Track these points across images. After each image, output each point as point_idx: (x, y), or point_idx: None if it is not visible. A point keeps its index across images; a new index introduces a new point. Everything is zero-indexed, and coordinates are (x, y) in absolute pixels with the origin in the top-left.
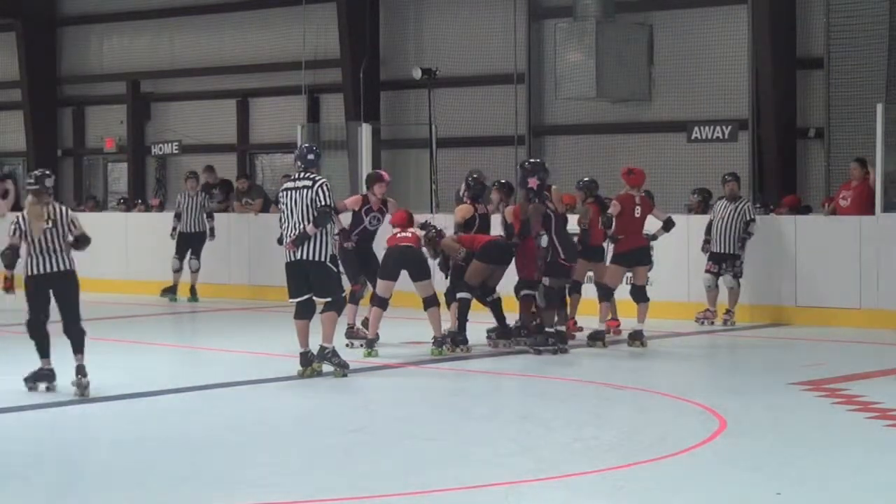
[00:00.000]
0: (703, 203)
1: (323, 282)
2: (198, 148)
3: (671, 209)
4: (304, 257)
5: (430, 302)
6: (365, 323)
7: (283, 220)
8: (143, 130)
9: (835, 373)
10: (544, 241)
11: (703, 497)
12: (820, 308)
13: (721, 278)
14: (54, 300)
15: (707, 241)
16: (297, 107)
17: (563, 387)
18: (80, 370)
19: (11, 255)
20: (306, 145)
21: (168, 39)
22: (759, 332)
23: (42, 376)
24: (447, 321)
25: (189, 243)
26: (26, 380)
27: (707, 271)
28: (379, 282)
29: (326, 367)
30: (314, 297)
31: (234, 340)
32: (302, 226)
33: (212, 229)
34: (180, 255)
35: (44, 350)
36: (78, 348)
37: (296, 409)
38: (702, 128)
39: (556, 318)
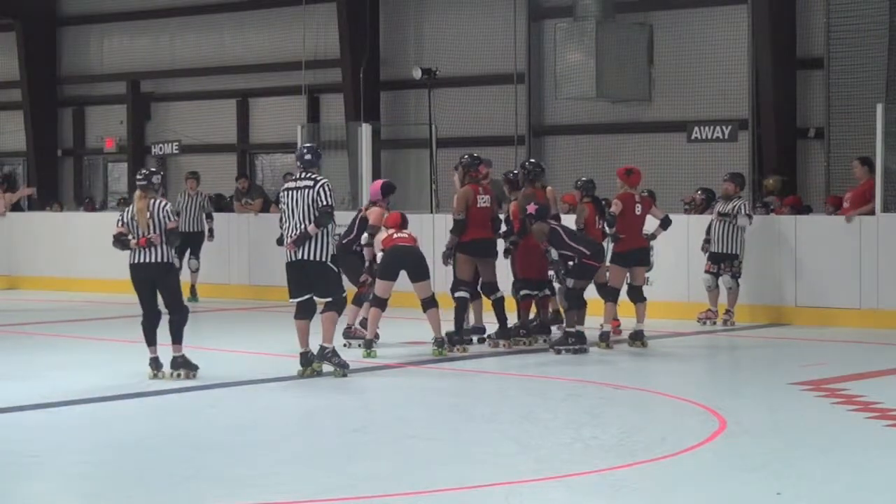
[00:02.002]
0: (706, 202)
1: (323, 282)
2: (198, 148)
3: (671, 209)
4: (305, 257)
5: (429, 303)
6: (364, 323)
7: (283, 220)
8: (143, 130)
9: (835, 373)
10: (554, 254)
11: (703, 497)
12: (820, 308)
13: (720, 279)
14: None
15: (707, 241)
16: (297, 107)
17: (563, 387)
18: (174, 362)
19: (125, 240)
20: (305, 145)
21: (168, 39)
22: (759, 332)
23: (152, 363)
24: (448, 321)
25: (187, 243)
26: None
27: (706, 271)
28: (378, 282)
29: (326, 367)
30: (315, 297)
31: (234, 340)
32: (303, 226)
33: (210, 230)
34: (179, 255)
35: (148, 338)
36: (176, 338)
37: (296, 409)
38: (702, 128)
39: (576, 318)
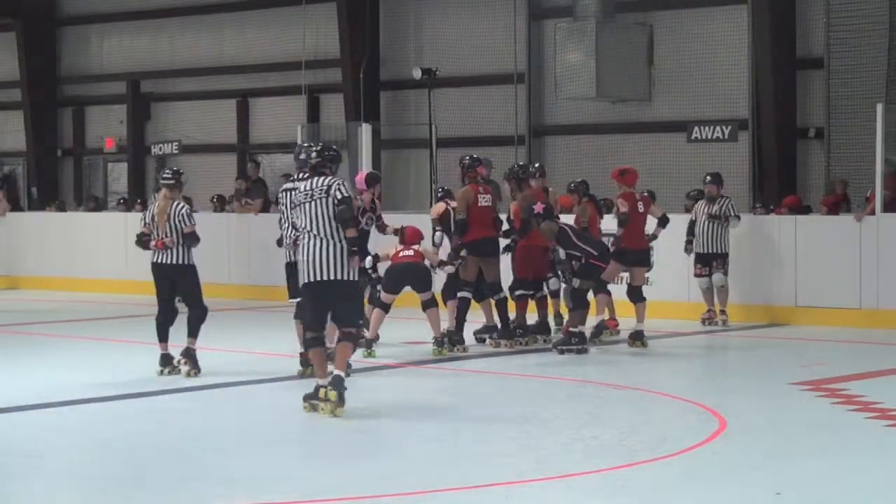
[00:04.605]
0: None
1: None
2: (198, 148)
3: (671, 210)
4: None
5: (429, 303)
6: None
7: (282, 220)
8: (143, 130)
9: (835, 373)
10: (562, 253)
11: (703, 497)
12: (819, 308)
13: (712, 278)
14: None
15: (690, 242)
16: (297, 107)
17: (563, 387)
18: (186, 351)
19: (146, 241)
20: (301, 145)
21: (168, 39)
22: (759, 332)
23: (162, 359)
24: (446, 320)
25: None
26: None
27: (698, 275)
28: (383, 293)
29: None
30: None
31: (234, 340)
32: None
33: None
34: None
35: (161, 334)
36: (191, 332)
37: (296, 409)
38: (702, 128)
39: (579, 319)
